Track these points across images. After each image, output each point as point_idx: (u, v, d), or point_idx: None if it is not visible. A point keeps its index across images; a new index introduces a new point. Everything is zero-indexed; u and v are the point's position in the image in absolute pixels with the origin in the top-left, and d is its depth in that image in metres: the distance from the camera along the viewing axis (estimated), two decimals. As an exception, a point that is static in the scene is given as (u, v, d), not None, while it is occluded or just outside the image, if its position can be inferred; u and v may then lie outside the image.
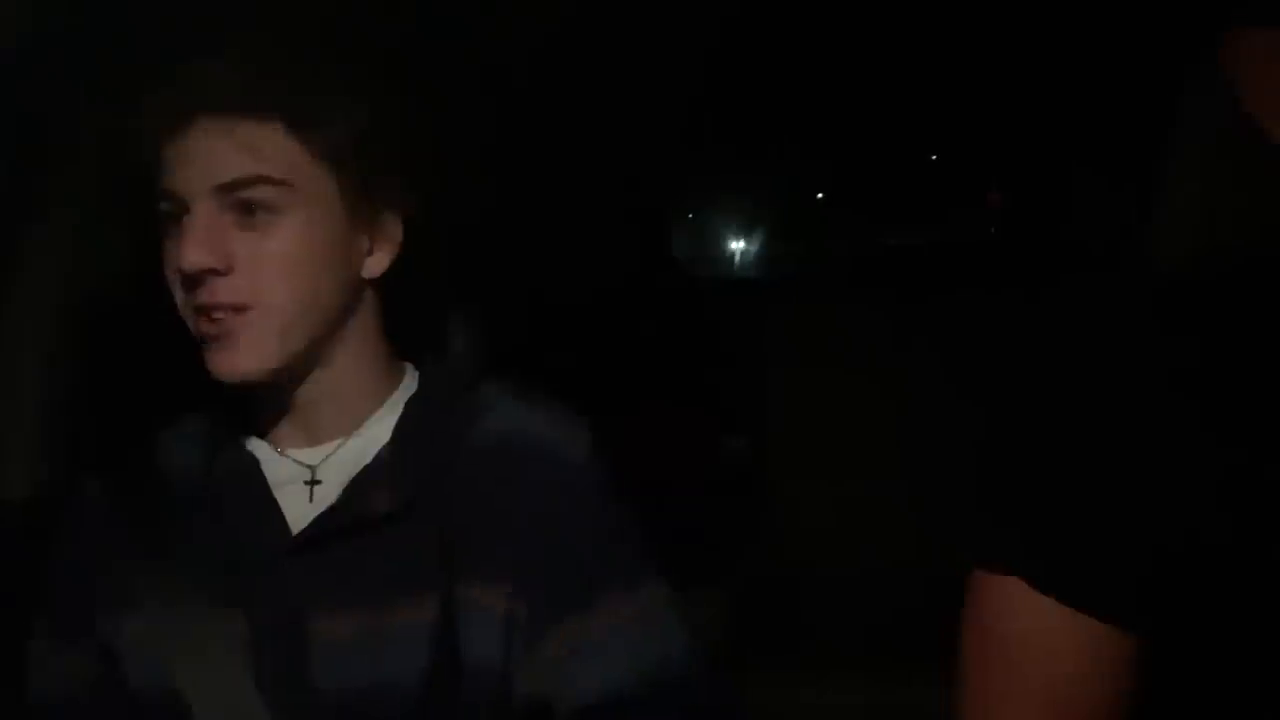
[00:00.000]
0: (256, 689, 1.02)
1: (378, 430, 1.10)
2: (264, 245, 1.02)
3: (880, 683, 1.99)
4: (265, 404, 1.10)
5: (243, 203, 1.02)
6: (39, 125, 1.22)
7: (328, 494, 1.08)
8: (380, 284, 1.11)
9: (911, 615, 1.53)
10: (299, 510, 1.08)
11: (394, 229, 1.09)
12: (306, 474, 1.09)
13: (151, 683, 1.04)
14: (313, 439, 1.10)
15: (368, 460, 1.08)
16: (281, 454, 1.10)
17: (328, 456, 1.10)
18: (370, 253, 1.09)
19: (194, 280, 1.02)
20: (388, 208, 1.08)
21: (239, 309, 1.02)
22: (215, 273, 1.02)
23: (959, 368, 0.91)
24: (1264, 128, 0.76)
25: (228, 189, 1.02)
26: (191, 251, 1.01)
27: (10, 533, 1.22)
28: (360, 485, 1.07)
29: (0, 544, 1.22)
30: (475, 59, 1.27)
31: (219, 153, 1.02)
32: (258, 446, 1.11)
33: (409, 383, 1.14)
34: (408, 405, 1.11)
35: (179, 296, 1.05)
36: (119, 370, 1.24)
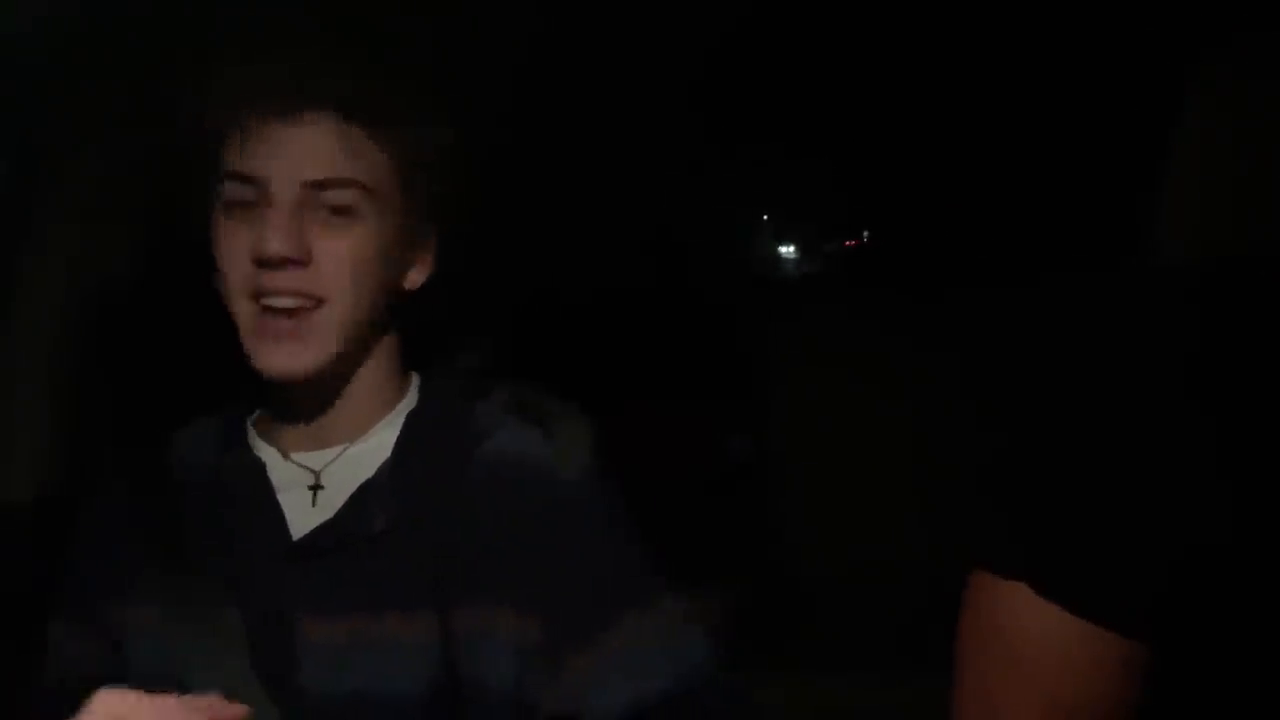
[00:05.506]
0: (257, 681, 1.03)
1: (380, 440, 1.11)
2: (337, 245, 1.03)
3: (883, 683, 1.99)
4: (280, 406, 1.11)
5: (326, 202, 1.03)
6: (43, 122, 1.22)
7: (329, 501, 1.09)
8: (409, 297, 1.12)
9: (913, 615, 1.53)
10: (301, 514, 1.09)
11: (431, 244, 1.11)
12: (310, 478, 1.10)
13: (154, 671, 1.05)
14: (319, 443, 1.11)
15: (369, 473, 1.09)
16: (287, 457, 1.11)
17: (330, 462, 1.10)
18: (413, 265, 1.10)
19: (268, 267, 1.02)
20: (431, 222, 1.10)
21: (310, 302, 1.03)
22: (292, 263, 1.02)
23: (970, 369, 0.91)
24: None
25: (318, 186, 1.02)
26: (276, 240, 1.01)
27: (17, 533, 1.23)
28: (360, 501, 1.08)
29: (9, 544, 1.23)
30: (483, 67, 1.28)
31: (318, 149, 1.02)
32: (265, 450, 1.12)
33: (413, 393, 1.15)
34: (408, 419, 1.12)
35: (239, 284, 1.04)
36: (137, 371, 1.25)
